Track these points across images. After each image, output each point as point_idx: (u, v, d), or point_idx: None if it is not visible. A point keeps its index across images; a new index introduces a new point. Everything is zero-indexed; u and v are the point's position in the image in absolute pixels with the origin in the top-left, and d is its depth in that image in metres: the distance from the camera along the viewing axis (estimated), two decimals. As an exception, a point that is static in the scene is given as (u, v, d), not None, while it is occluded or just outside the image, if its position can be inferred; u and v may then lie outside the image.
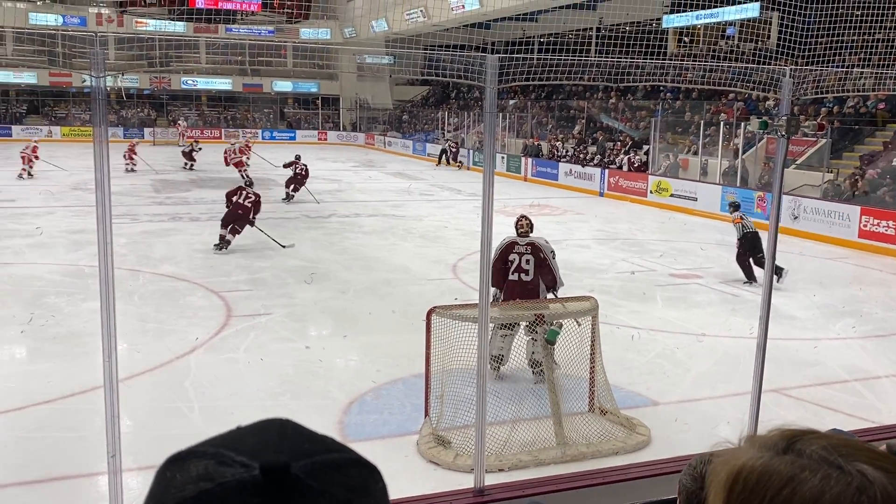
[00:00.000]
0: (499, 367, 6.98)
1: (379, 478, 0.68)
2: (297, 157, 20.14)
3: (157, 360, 7.45)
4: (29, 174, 23.34)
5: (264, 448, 0.64)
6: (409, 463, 5.52)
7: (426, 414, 6.03)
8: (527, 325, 6.68)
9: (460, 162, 31.55)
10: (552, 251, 7.46)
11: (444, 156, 32.28)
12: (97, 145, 3.37)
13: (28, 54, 38.35)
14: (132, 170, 24.77)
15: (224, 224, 13.12)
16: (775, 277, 12.50)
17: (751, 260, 11.63)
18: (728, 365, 7.85)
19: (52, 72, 40.77)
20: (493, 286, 7.21)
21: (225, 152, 24.60)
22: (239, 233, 13.19)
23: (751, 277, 11.55)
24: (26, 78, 42.27)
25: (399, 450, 5.70)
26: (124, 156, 24.75)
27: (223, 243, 12.99)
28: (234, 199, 13.33)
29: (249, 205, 13.28)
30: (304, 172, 19.80)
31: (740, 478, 0.78)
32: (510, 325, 6.81)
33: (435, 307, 6.06)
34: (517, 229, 7.56)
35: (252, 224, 13.30)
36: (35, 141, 25.67)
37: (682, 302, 10.44)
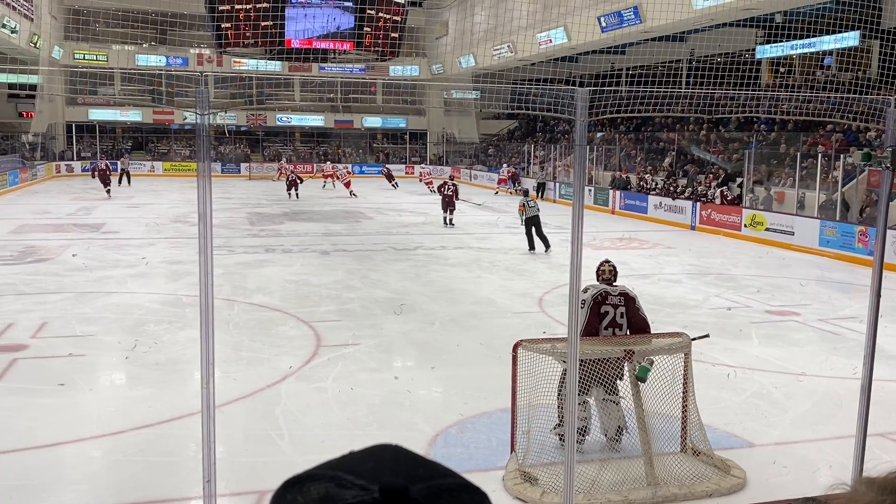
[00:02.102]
0: (582, 440, 6.16)
1: (489, 503, 0.69)
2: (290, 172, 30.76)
3: (250, 388, 7.64)
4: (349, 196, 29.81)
5: (381, 471, 0.66)
6: (495, 498, 5.40)
7: (512, 449, 5.97)
8: (604, 387, 6.20)
9: (513, 190, 32.93)
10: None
11: (540, 189, 32.34)
12: (201, 179, 3.51)
13: (134, 93, 40.53)
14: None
15: (444, 209, 21.33)
16: (544, 248, 16.08)
17: (532, 230, 16.33)
18: (829, 406, 7.50)
19: (155, 110, 42.95)
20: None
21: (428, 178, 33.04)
22: (452, 211, 21.28)
23: (532, 247, 16.19)
24: (132, 116, 44.66)
25: (484, 485, 5.59)
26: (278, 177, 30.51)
27: (447, 223, 21.16)
28: (443, 190, 21.48)
29: (451, 192, 21.09)
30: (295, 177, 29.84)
31: None
32: (581, 390, 5.83)
33: (521, 340, 6.00)
34: (599, 275, 6.67)
35: (458, 199, 21.57)
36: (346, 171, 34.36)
37: (780, 340, 10.06)
